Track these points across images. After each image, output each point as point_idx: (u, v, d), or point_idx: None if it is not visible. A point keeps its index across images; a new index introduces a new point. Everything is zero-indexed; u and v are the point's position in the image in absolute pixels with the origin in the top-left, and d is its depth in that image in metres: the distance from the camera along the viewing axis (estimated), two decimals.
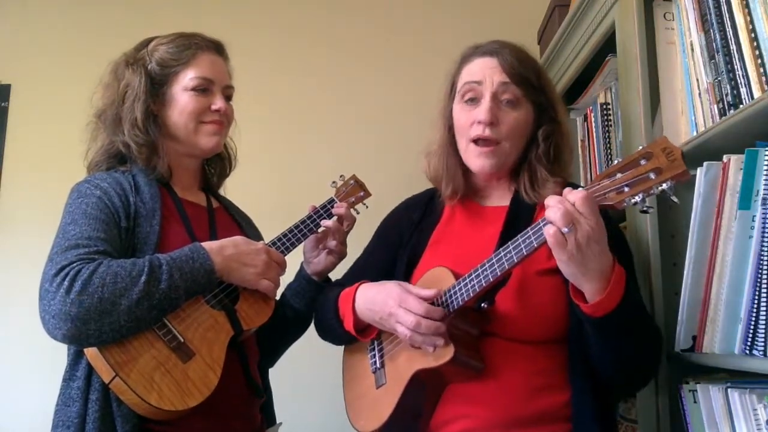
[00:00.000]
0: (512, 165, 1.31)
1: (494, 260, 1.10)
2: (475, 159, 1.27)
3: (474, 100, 1.27)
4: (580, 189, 1.01)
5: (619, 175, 0.97)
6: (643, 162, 0.94)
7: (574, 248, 0.97)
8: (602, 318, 1.03)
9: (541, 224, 1.02)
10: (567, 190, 1.01)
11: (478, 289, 1.11)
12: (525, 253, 1.05)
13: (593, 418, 1.13)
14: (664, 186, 0.92)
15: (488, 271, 1.10)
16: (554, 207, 0.98)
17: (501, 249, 1.09)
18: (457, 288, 1.15)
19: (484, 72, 1.27)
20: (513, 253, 1.07)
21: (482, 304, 1.15)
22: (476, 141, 1.27)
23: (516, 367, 1.17)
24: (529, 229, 1.05)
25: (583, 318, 1.07)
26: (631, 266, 1.21)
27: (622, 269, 1.04)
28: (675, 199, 0.94)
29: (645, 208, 0.96)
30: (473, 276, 1.12)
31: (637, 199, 0.94)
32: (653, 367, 1.18)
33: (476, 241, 1.27)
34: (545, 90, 1.31)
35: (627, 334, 1.08)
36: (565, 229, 0.96)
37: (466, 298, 1.13)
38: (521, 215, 1.25)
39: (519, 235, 1.07)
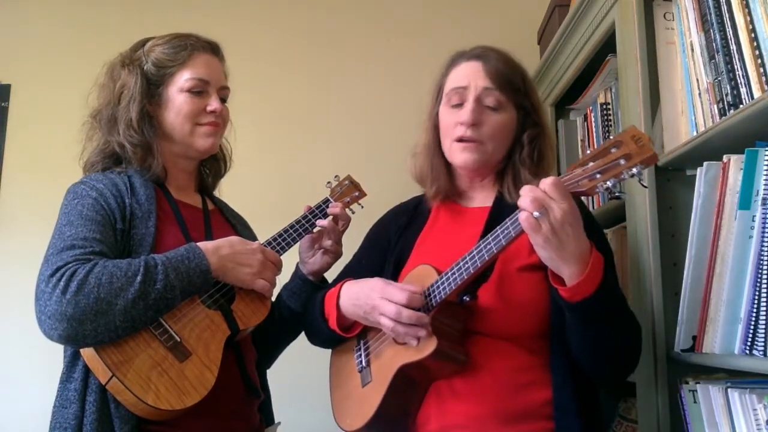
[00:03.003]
0: (495, 166, 1.34)
1: (475, 253, 1.12)
2: (459, 154, 1.30)
3: (459, 105, 1.30)
4: (551, 176, 1.05)
5: (591, 164, 1.00)
6: (613, 150, 0.97)
7: (548, 231, 1.00)
8: (581, 303, 1.05)
9: (518, 213, 1.04)
10: (542, 180, 1.04)
11: (459, 282, 1.13)
12: (504, 243, 1.07)
13: (575, 415, 1.15)
14: (634, 170, 0.95)
15: (469, 264, 1.12)
16: (525, 195, 1.02)
17: (481, 241, 1.12)
18: (439, 282, 1.17)
19: (469, 77, 1.30)
20: (492, 244, 1.09)
21: (464, 298, 1.17)
22: (460, 140, 1.30)
23: (499, 363, 1.18)
24: (507, 220, 1.08)
25: (562, 303, 1.09)
26: (611, 260, 1.23)
27: (600, 256, 1.06)
28: (645, 184, 1.00)
29: (618, 194, 1.00)
30: (455, 269, 1.15)
31: (609, 184, 0.98)
32: (633, 359, 1.19)
33: (459, 240, 1.30)
34: (529, 95, 1.34)
35: (606, 322, 1.10)
36: (536, 214, 1.00)
37: (448, 291, 1.15)
38: (504, 215, 1.27)
39: (498, 227, 1.09)
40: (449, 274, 1.16)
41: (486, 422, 1.16)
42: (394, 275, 1.34)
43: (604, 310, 1.08)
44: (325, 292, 1.37)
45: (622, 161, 0.96)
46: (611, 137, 1.00)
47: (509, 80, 1.30)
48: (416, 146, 1.43)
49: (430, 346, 1.15)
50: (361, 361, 1.31)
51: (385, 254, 1.41)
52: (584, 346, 1.14)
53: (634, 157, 0.95)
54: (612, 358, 1.16)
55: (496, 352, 1.19)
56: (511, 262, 1.21)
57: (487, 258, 1.10)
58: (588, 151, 1.02)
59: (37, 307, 1.16)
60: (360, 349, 1.33)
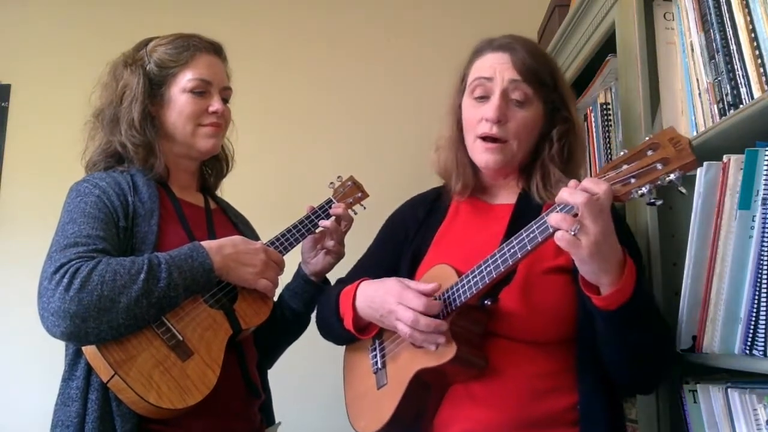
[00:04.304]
0: (520, 163, 1.29)
1: (498, 256, 1.08)
2: (481, 155, 1.26)
3: (483, 98, 1.25)
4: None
5: (624, 167, 0.95)
6: (649, 153, 0.92)
7: (591, 246, 0.95)
8: (616, 310, 1.01)
9: (545, 217, 1.00)
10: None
11: (481, 286, 1.09)
12: (529, 249, 1.03)
13: (603, 423, 1.11)
14: (672, 177, 0.90)
15: (491, 268, 1.08)
16: (555, 214, 0.98)
17: (504, 245, 1.07)
18: (459, 285, 1.13)
19: (495, 68, 1.24)
20: (517, 248, 1.05)
21: (485, 302, 1.13)
22: (483, 138, 1.25)
23: (520, 368, 1.15)
24: (533, 223, 1.03)
25: (595, 312, 1.05)
26: (640, 260, 1.20)
27: (632, 260, 1.03)
28: (683, 190, 0.92)
29: (652, 200, 0.94)
30: (476, 273, 1.10)
31: (644, 190, 0.93)
32: (667, 362, 1.15)
33: (481, 238, 1.25)
34: (559, 88, 1.28)
35: (641, 327, 1.05)
36: (572, 231, 0.95)
37: (468, 296, 1.11)
38: (527, 213, 1.21)
39: (523, 230, 1.05)
40: (470, 277, 1.11)
41: (506, 429, 1.12)
42: (411, 269, 1.30)
43: (639, 316, 1.04)
44: (339, 290, 1.34)
45: (659, 166, 0.90)
46: (647, 139, 0.93)
47: (537, 73, 1.24)
48: (439, 139, 1.38)
49: (449, 352, 1.11)
50: (376, 362, 1.28)
51: (401, 247, 1.37)
52: (619, 355, 1.09)
53: (673, 161, 0.89)
54: (647, 365, 1.11)
55: (518, 357, 1.15)
56: (535, 264, 1.16)
57: (510, 263, 1.05)
58: (623, 152, 0.96)
59: (40, 304, 1.16)
60: (375, 349, 1.30)
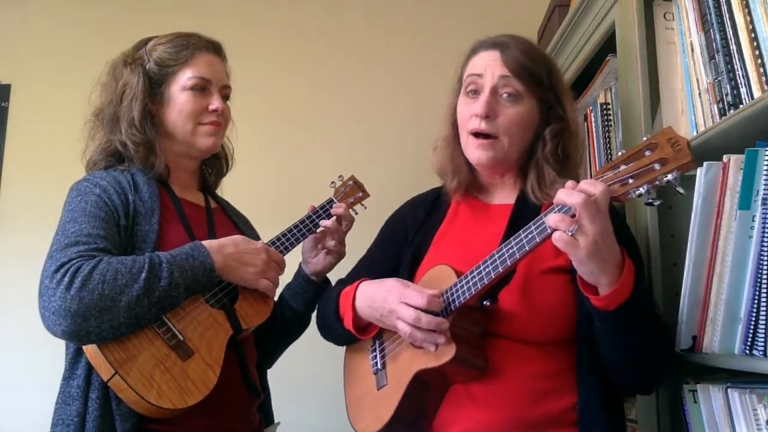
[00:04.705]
0: (516, 162, 1.30)
1: (496, 257, 1.08)
2: (473, 151, 1.26)
3: (475, 93, 1.26)
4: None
5: (623, 167, 0.95)
6: (647, 153, 0.93)
7: (590, 246, 0.96)
8: (615, 311, 1.01)
9: (543, 217, 1.00)
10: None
11: (480, 287, 1.10)
12: (527, 249, 1.03)
13: (602, 423, 1.11)
14: (670, 177, 0.91)
15: (490, 268, 1.08)
16: (553, 215, 0.98)
17: (503, 245, 1.08)
18: (458, 286, 1.13)
19: (486, 65, 1.25)
20: (515, 248, 1.05)
21: (485, 302, 1.13)
22: (475, 134, 1.25)
23: (520, 368, 1.15)
24: (531, 224, 1.04)
25: (593, 313, 1.05)
26: (640, 260, 1.20)
27: (631, 260, 1.03)
28: (681, 191, 0.92)
29: (650, 200, 0.94)
30: (475, 273, 1.11)
31: (642, 190, 0.93)
32: (667, 362, 1.15)
33: (480, 238, 1.26)
34: (554, 87, 1.28)
35: (641, 327, 1.05)
36: (570, 231, 0.95)
37: (467, 296, 1.11)
38: (526, 214, 1.21)
39: (521, 231, 1.05)
40: (469, 278, 1.11)
41: (506, 429, 1.12)
42: (411, 269, 1.30)
43: (638, 316, 1.04)
44: (340, 290, 1.34)
45: (657, 166, 0.91)
46: (645, 139, 0.94)
47: (529, 70, 1.24)
48: (437, 139, 1.39)
49: (449, 352, 1.11)
50: (376, 363, 1.28)
51: (401, 248, 1.37)
52: (618, 355, 1.09)
53: (670, 162, 0.90)
54: (647, 365, 1.11)
55: (518, 357, 1.15)
56: (534, 264, 1.16)
57: (509, 264, 1.06)
58: (621, 152, 0.96)
59: (41, 303, 1.16)
60: (375, 349, 1.30)
